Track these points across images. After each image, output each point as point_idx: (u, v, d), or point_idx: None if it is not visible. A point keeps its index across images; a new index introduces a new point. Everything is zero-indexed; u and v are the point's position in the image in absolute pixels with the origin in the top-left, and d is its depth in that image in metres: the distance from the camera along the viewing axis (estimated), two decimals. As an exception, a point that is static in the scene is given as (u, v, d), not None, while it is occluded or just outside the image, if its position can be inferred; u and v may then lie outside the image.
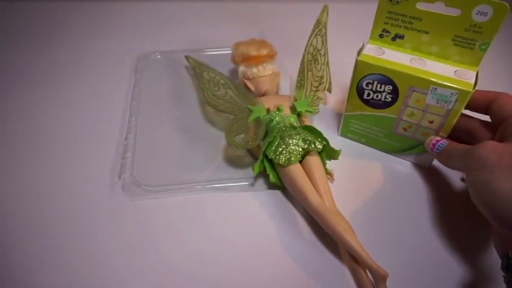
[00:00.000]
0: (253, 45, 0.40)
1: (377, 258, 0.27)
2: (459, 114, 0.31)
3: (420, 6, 0.31)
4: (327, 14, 0.40)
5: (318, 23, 0.39)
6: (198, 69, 0.42)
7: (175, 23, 0.58)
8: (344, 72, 0.38)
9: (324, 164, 0.34)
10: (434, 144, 0.31)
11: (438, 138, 0.32)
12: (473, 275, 0.29)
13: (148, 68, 0.48)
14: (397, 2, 0.31)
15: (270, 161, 0.34)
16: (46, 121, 0.41)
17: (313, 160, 0.33)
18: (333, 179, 0.35)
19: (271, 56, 0.40)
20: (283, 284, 0.28)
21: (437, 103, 0.31)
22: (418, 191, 0.35)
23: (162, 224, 0.32)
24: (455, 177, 0.36)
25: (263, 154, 0.33)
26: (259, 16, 0.60)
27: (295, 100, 0.37)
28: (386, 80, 0.32)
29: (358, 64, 0.33)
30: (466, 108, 0.31)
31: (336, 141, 0.39)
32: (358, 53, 0.33)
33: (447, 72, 0.31)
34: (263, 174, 0.34)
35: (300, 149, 0.32)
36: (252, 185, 0.35)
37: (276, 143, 0.33)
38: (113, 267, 0.29)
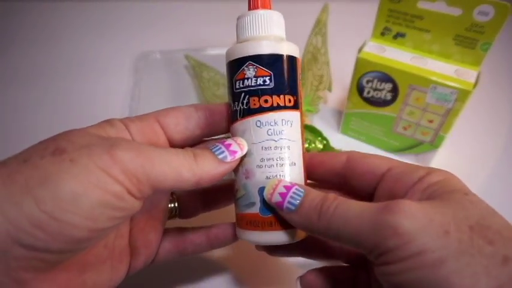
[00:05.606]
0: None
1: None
2: (459, 113, 0.31)
3: (421, 5, 0.31)
4: (327, 13, 0.40)
5: (318, 22, 0.39)
6: (197, 69, 0.41)
7: (175, 23, 0.58)
8: (345, 71, 0.37)
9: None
10: (284, 195, 0.18)
11: (287, 182, 0.18)
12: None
13: (148, 67, 0.48)
14: (398, 1, 0.31)
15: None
16: (46, 121, 0.41)
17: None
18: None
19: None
20: None
21: (437, 102, 0.31)
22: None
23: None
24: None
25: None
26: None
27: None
28: (386, 77, 0.32)
29: (358, 61, 0.33)
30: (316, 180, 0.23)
31: (336, 139, 0.39)
32: (359, 51, 0.33)
33: (448, 71, 0.31)
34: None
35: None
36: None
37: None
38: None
